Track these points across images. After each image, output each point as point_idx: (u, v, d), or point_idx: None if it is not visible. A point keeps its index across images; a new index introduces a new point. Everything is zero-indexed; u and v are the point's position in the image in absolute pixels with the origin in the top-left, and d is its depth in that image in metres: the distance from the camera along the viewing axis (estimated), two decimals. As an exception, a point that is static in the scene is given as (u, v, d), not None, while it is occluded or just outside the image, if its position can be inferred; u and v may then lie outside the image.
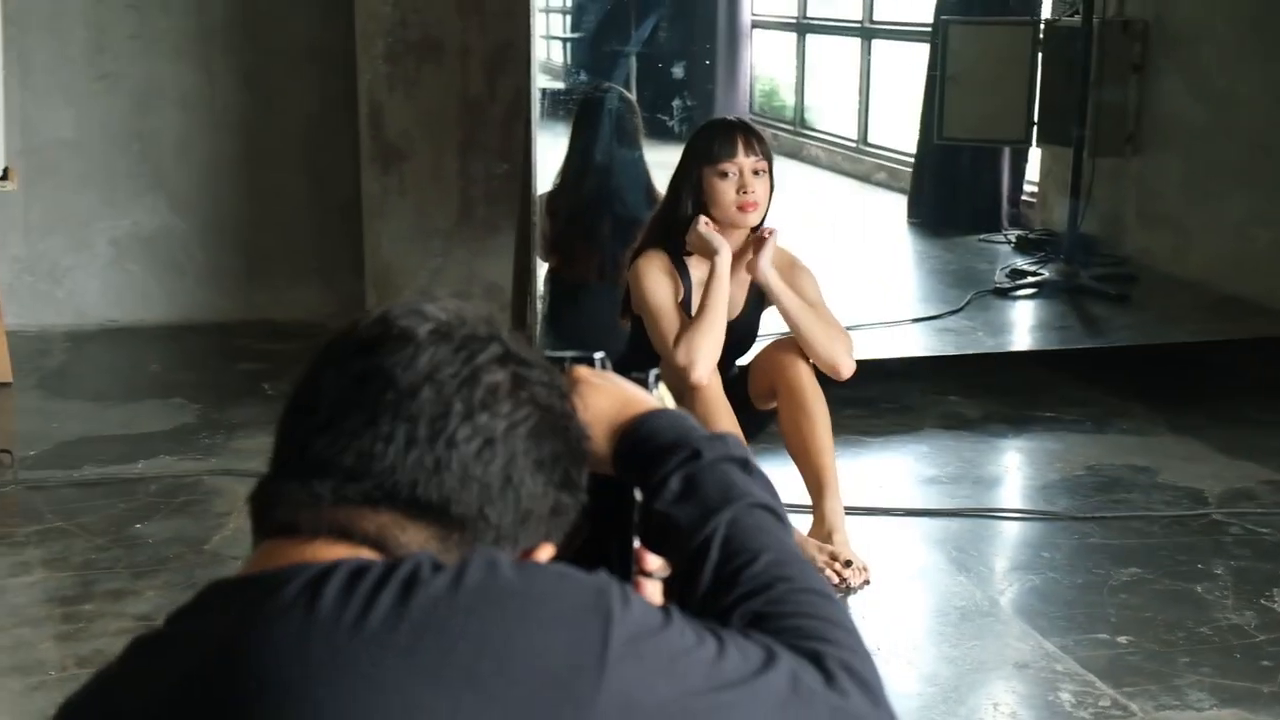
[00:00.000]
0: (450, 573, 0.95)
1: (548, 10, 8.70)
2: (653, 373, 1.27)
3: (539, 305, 4.42)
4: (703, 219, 3.34)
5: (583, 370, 1.23)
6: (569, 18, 8.08)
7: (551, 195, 4.49)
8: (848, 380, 3.42)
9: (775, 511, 1.15)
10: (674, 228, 3.40)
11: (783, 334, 3.49)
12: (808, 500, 3.38)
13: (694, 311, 3.33)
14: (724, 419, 3.29)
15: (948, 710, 2.77)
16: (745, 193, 3.32)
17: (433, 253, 5.03)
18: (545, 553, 1.08)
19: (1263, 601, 3.19)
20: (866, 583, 3.27)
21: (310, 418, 1.04)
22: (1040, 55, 6.46)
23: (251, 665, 0.92)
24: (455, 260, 5.05)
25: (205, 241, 5.54)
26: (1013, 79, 6.56)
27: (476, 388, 1.03)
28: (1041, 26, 6.57)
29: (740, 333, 3.48)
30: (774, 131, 9.20)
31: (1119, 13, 6.22)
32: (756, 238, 3.39)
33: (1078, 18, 6.04)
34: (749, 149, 3.33)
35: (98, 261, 5.51)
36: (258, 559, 1.03)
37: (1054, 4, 6.64)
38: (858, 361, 4.64)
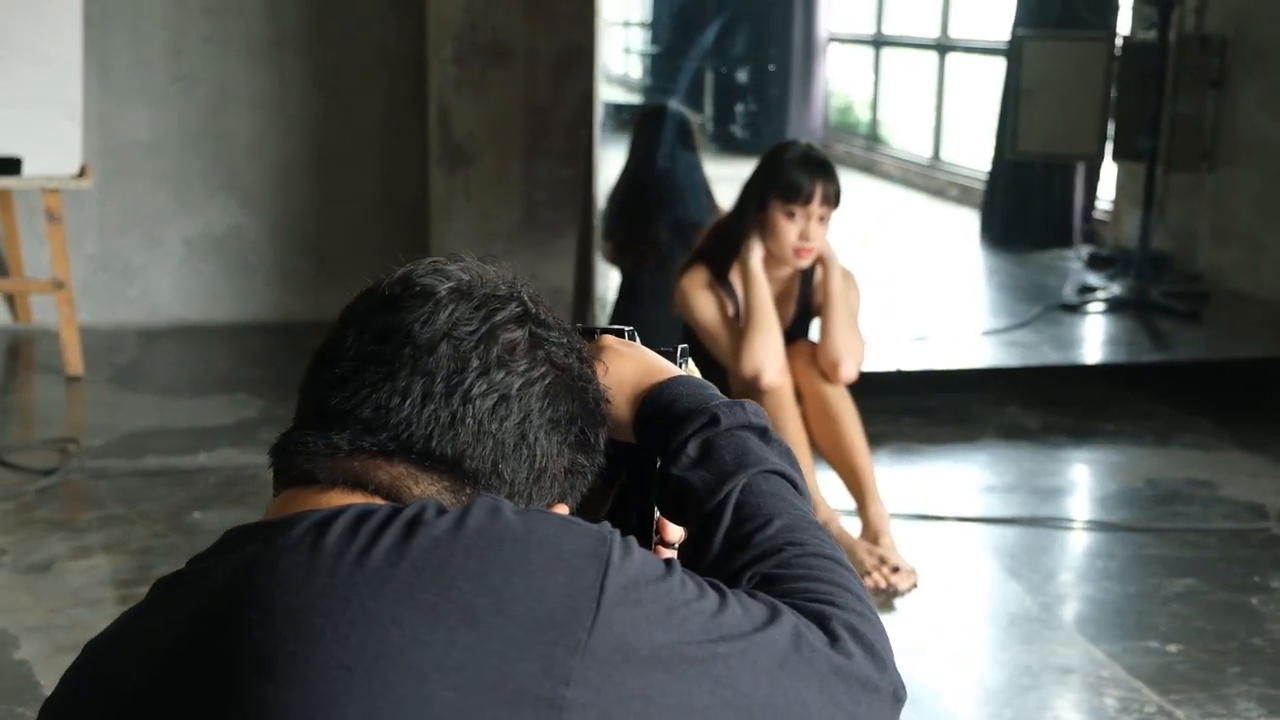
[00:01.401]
0: (454, 515, 0.96)
1: (626, 24, 8.76)
2: (681, 347, 1.28)
3: (598, 309, 4.45)
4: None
5: (609, 339, 1.24)
6: (643, 28, 8.13)
7: (612, 193, 4.53)
8: (854, 383, 3.38)
9: (791, 479, 1.15)
10: (730, 242, 3.37)
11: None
12: (852, 504, 3.37)
13: (741, 320, 3.33)
14: (792, 423, 3.29)
15: (993, 713, 2.75)
16: (805, 239, 3.29)
17: (496, 255, 5.06)
18: (560, 513, 1.08)
19: (1319, 615, 3.13)
20: (914, 586, 3.24)
21: (331, 372, 1.06)
22: (1116, 70, 6.41)
23: (257, 596, 0.94)
24: (518, 262, 4.98)
25: (275, 241, 5.62)
26: (1088, 94, 6.51)
27: (494, 345, 1.05)
28: (1118, 41, 6.51)
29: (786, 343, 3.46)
30: (847, 148, 9.18)
31: (1197, 28, 6.14)
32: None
33: (1154, 32, 5.97)
34: (824, 198, 3.26)
35: (170, 260, 5.60)
36: (275, 507, 1.06)
37: (1132, 19, 6.57)
38: (918, 372, 4.65)
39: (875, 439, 3.94)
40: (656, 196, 4.39)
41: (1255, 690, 2.79)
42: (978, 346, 5.28)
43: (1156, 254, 5.98)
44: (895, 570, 3.23)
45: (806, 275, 3.43)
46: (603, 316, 4.61)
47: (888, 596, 3.18)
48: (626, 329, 1.27)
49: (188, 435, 4.25)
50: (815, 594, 1.04)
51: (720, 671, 0.94)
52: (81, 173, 4.76)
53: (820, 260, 3.35)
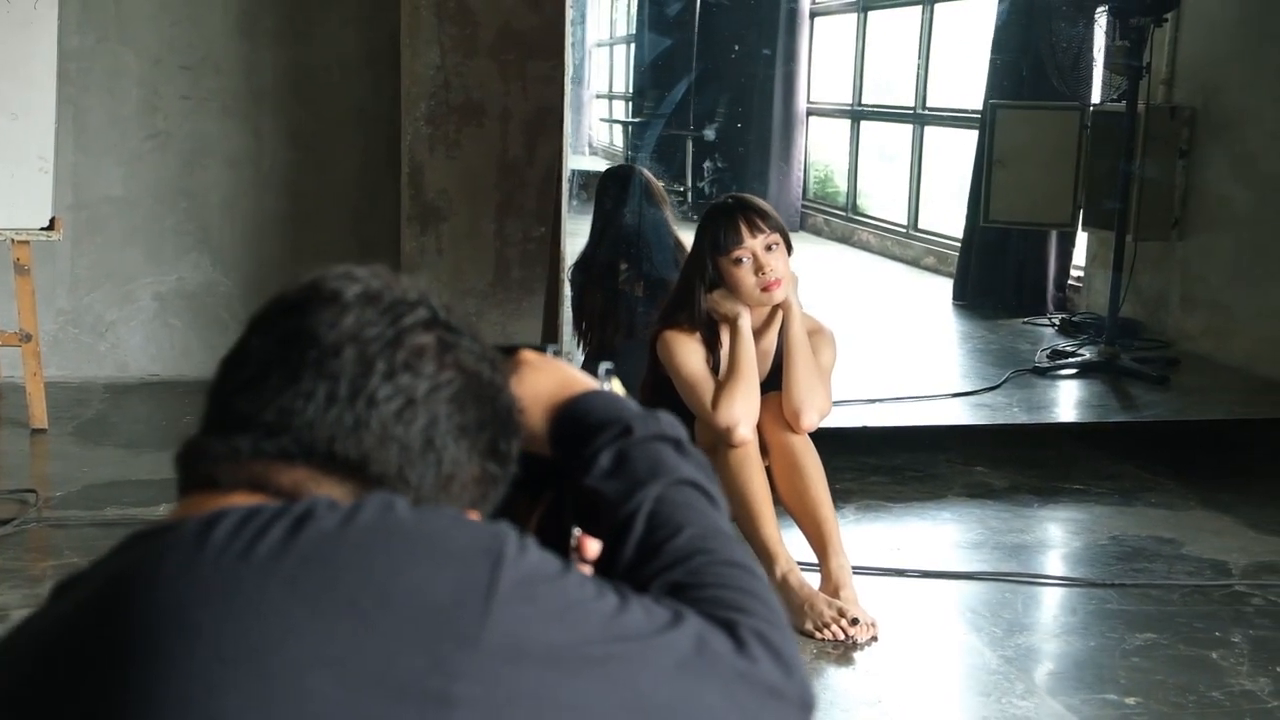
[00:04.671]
0: (345, 510, 0.95)
1: (609, 96, 8.82)
2: (604, 367, 1.27)
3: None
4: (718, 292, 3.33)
5: (527, 353, 1.23)
6: (626, 100, 8.21)
7: (578, 262, 4.54)
8: (822, 440, 3.37)
9: (705, 490, 1.14)
10: (691, 312, 3.38)
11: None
12: (814, 558, 3.35)
13: (721, 376, 3.32)
14: (757, 476, 3.28)
15: (946, 765, 2.71)
16: (763, 273, 3.31)
17: (467, 312, 5.06)
18: (454, 511, 1.07)
19: (1278, 670, 3.10)
20: (874, 639, 3.22)
21: (236, 376, 1.05)
22: (1087, 140, 6.47)
23: (139, 589, 0.92)
24: (489, 321, 5.09)
25: (248, 298, 5.62)
26: (1059, 163, 6.58)
27: (400, 349, 1.04)
28: (1089, 111, 6.58)
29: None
30: (826, 218, 9.24)
31: (1167, 98, 6.21)
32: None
33: (1124, 103, 6.03)
34: (753, 229, 3.28)
35: (141, 316, 5.60)
36: (176, 511, 1.04)
37: (1102, 89, 6.64)
38: (886, 429, 4.64)
39: (843, 496, 3.94)
40: (624, 256, 4.40)
41: (1212, 742, 2.76)
42: (948, 409, 5.27)
43: (1127, 320, 6.00)
44: (854, 623, 3.20)
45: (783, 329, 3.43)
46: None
47: (846, 649, 3.16)
48: (550, 346, 1.27)
49: (150, 487, 4.22)
50: (724, 601, 1.03)
51: (618, 672, 0.93)
52: (51, 225, 4.77)
53: (783, 307, 3.35)
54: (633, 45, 8.23)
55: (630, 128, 8.15)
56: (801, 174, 9.16)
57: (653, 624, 0.96)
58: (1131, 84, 5.86)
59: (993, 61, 6.99)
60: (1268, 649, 3.21)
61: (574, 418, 1.17)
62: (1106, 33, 6.53)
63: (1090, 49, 6.65)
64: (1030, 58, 6.79)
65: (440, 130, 5.03)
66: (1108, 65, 6.56)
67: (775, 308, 3.39)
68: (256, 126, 5.54)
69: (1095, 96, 6.66)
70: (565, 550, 1.17)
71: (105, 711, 0.89)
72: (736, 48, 8.09)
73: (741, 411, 3.26)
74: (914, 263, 8.34)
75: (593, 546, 1.16)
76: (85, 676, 0.91)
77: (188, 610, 0.90)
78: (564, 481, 1.18)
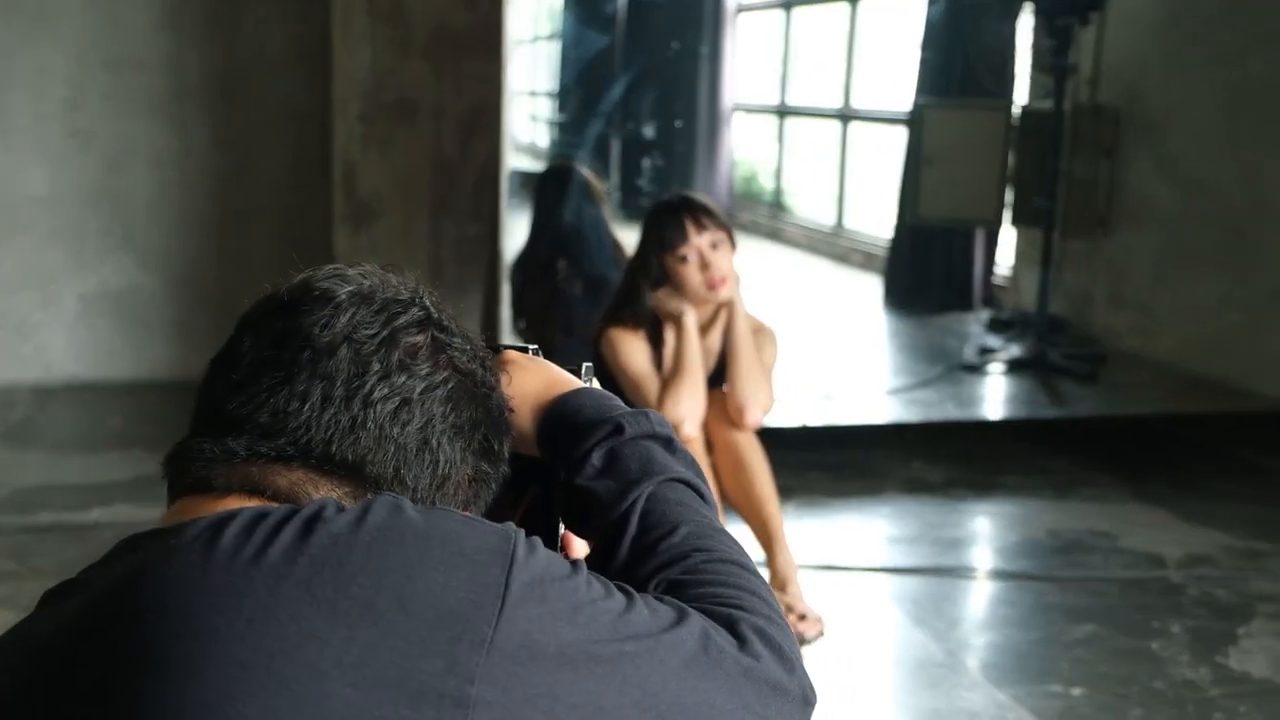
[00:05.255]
0: (354, 512, 0.94)
1: (532, 93, 8.79)
2: (585, 365, 1.27)
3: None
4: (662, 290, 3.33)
5: (512, 353, 1.23)
6: (549, 96, 8.18)
7: (517, 260, 4.53)
8: (756, 430, 3.38)
9: (696, 487, 1.13)
10: (636, 309, 3.37)
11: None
12: (760, 554, 3.36)
13: (666, 373, 3.32)
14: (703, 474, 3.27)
15: (896, 759, 2.73)
16: (708, 271, 3.31)
17: (399, 265, 5.02)
18: (462, 512, 1.06)
19: (1217, 659, 3.16)
20: (821, 634, 3.23)
21: (227, 378, 1.03)
22: (1014, 139, 6.55)
23: (151, 594, 0.90)
24: (423, 320, 5.04)
25: (174, 299, 5.54)
26: (987, 161, 6.64)
27: (395, 349, 1.03)
28: (1016, 111, 6.66)
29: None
30: (752, 216, 9.28)
31: (1092, 98, 6.30)
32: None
33: (1051, 102, 6.11)
34: (699, 227, 3.29)
35: (65, 317, 5.50)
36: (171, 514, 1.02)
37: (1029, 88, 6.73)
38: (823, 427, 4.67)
39: (782, 492, 3.93)
40: (563, 254, 4.39)
41: (1157, 731, 2.81)
42: (881, 405, 5.31)
43: (1054, 317, 6.08)
44: (802, 618, 3.22)
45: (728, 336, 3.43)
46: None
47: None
48: (530, 346, 1.26)
49: (81, 491, 4.15)
50: (722, 598, 1.02)
51: (628, 671, 0.92)
52: (-25, 225, 4.67)
53: (726, 305, 3.35)
54: (558, 43, 8.22)
55: (557, 125, 8.13)
56: (728, 171, 9.19)
57: (658, 623, 0.96)
58: (1058, 83, 5.93)
59: (921, 59, 7.05)
60: (1206, 639, 3.26)
61: (563, 417, 1.16)
62: (1033, 32, 6.62)
63: (1014, 48, 6.74)
64: (959, 56, 6.86)
65: (373, 129, 4.98)
66: (1034, 64, 6.65)
67: (719, 306, 3.40)
68: (182, 125, 5.46)
69: (1022, 96, 6.74)
70: (551, 549, 1.16)
71: (117, 718, 0.87)
72: (662, 45, 8.10)
73: (687, 409, 3.26)
74: (842, 260, 8.40)
75: (578, 546, 1.16)
76: (93, 683, 0.89)
77: (201, 615, 0.88)
78: (554, 481, 1.17)
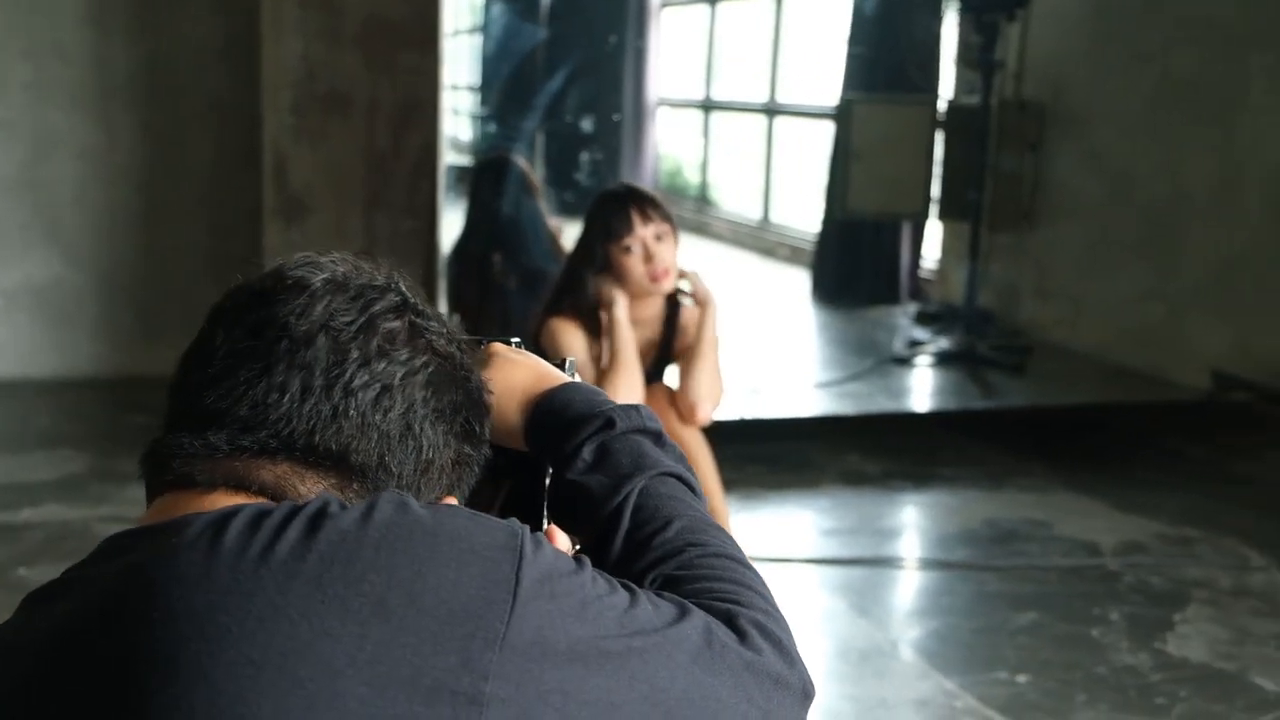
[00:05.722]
0: (359, 509, 0.92)
1: (454, 87, 8.73)
2: (569, 360, 1.26)
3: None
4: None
5: (498, 346, 1.22)
6: (473, 91, 8.14)
7: (453, 253, 4.50)
8: (707, 427, 3.40)
9: (687, 481, 1.13)
10: (577, 299, 3.36)
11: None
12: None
13: (604, 364, 3.32)
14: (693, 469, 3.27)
15: (847, 748, 2.75)
16: (652, 263, 3.31)
17: (372, 251, 4.97)
18: (466, 508, 1.05)
19: (1156, 645, 3.21)
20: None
21: (203, 371, 1.01)
22: (941, 133, 6.61)
23: (154, 595, 0.88)
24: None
25: (98, 294, 5.44)
26: (914, 156, 6.70)
27: (373, 335, 1.01)
28: (942, 106, 6.73)
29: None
30: (677, 210, 9.29)
31: (1016, 93, 6.38)
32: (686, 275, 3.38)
33: (977, 97, 6.18)
34: (645, 218, 3.28)
35: (-13, 313, 5.39)
36: (154, 512, 1.00)
37: (955, 84, 6.80)
38: (760, 420, 4.69)
39: (723, 486, 3.96)
40: (499, 248, 4.37)
41: (1103, 716, 2.85)
42: (813, 398, 5.35)
43: (981, 309, 6.15)
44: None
45: (669, 321, 3.43)
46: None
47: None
48: (514, 339, 1.25)
49: (9, 491, 4.07)
50: (720, 593, 1.02)
51: (637, 666, 0.92)
52: (-106, 219, 4.56)
53: (701, 303, 3.36)
54: (481, 36, 8.17)
55: (482, 119, 8.09)
56: (653, 166, 9.19)
57: (662, 618, 0.96)
58: (986, 79, 6.00)
59: (848, 54, 7.09)
60: (1143, 625, 3.32)
61: (552, 411, 1.16)
62: (958, 28, 6.69)
63: (939, 43, 6.81)
64: (886, 51, 6.91)
65: (305, 121, 4.92)
66: (960, 60, 6.72)
67: (667, 299, 3.40)
68: (107, 116, 5.37)
69: (949, 90, 6.81)
70: None
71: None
72: (588, 40, 8.08)
73: (620, 399, 3.24)
74: (769, 254, 8.44)
75: (561, 540, 1.15)
76: (100, 687, 0.87)
77: (208, 615, 0.86)
78: (538, 475, 1.16)
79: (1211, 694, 2.97)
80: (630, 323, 3.34)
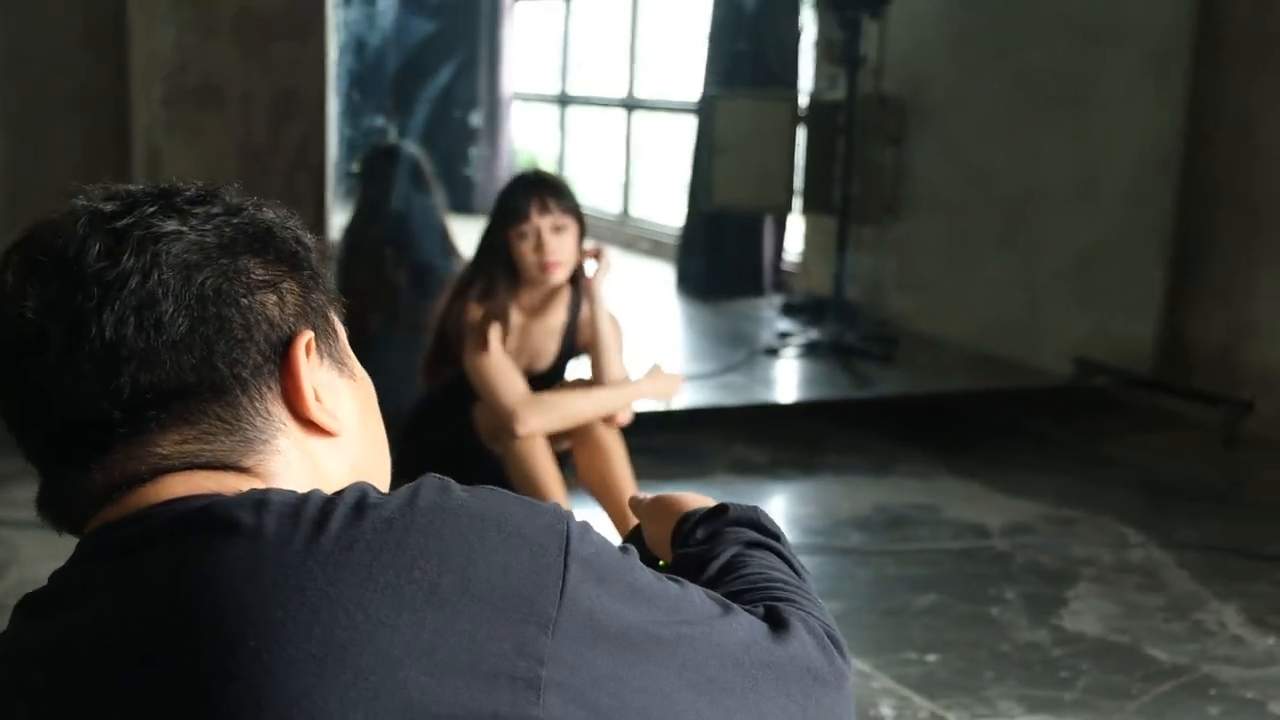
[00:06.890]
0: (402, 495, 0.92)
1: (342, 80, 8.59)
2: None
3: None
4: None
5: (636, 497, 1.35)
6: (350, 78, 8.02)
7: (344, 233, 4.44)
8: (627, 426, 3.46)
9: (790, 562, 1.17)
10: (489, 287, 3.35)
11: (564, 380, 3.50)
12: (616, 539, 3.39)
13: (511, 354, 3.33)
14: (542, 460, 3.27)
15: (770, 731, 2.80)
16: (542, 253, 3.32)
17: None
18: (304, 339, 1.00)
19: (1053, 621, 3.33)
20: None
21: (40, 397, 0.96)
22: (802, 128, 6.73)
23: (203, 593, 0.87)
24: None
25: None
26: (777, 150, 6.80)
27: (106, 276, 0.95)
28: (804, 101, 6.85)
29: (548, 381, 3.47)
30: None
31: (877, 88, 6.52)
32: (593, 255, 3.40)
33: (839, 92, 6.31)
34: (543, 208, 3.29)
35: None
36: (117, 509, 0.95)
37: (815, 79, 6.92)
38: (645, 413, 4.72)
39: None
40: (391, 240, 4.33)
41: (1013, 691, 2.95)
42: (690, 389, 5.40)
43: (846, 301, 6.28)
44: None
45: (571, 316, 3.45)
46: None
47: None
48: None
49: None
50: (769, 592, 1.07)
51: (687, 653, 0.94)
52: None
53: (587, 296, 3.38)
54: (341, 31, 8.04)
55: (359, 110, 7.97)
56: (508, 160, 9.17)
57: (708, 610, 0.98)
58: (850, 74, 6.13)
59: (710, 49, 7.17)
60: (1039, 603, 3.44)
61: (687, 515, 1.23)
62: (817, 23, 6.82)
63: (799, 39, 6.93)
64: (747, 46, 7.00)
65: (178, 114, 4.81)
66: (820, 55, 6.84)
67: (558, 290, 3.41)
68: (-36, 108, 5.18)
69: (810, 86, 6.93)
70: None
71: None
72: (438, 32, 8.03)
73: (540, 426, 3.26)
74: (629, 247, 8.49)
75: None
76: (152, 693, 0.86)
77: (265, 610, 0.85)
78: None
79: (1110, 666, 3.10)
80: (528, 310, 3.35)
